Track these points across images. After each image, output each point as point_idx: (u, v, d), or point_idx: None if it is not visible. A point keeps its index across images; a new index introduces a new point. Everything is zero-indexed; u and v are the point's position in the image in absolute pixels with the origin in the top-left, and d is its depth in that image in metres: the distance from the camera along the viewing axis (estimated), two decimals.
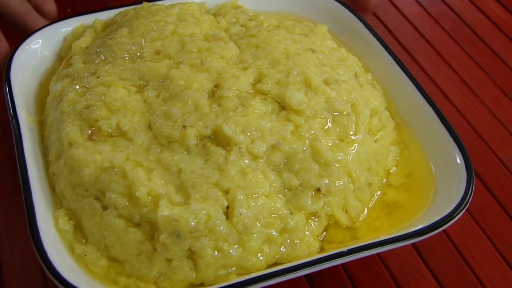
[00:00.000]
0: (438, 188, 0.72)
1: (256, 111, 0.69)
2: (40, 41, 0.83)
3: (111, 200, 0.65)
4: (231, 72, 0.73)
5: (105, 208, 0.66)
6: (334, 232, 0.69)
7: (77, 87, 0.73)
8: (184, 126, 0.67)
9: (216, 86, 0.72)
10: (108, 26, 0.84)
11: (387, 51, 0.83)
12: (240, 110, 0.69)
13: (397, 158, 0.76)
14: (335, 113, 0.71)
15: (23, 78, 0.79)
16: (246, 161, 0.66)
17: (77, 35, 0.84)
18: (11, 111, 0.72)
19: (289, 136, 0.68)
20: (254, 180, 0.65)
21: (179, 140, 0.67)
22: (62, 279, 0.59)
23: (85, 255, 0.65)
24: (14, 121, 0.71)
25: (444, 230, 0.77)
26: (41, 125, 0.76)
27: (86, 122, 0.70)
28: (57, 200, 0.69)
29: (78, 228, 0.67)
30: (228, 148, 0.67)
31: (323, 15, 0.91)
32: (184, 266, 0.63)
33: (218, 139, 0.68)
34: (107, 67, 0.74)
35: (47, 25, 0.84)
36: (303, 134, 0.68)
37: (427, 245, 0.77)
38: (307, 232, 0.67)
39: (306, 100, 0.70)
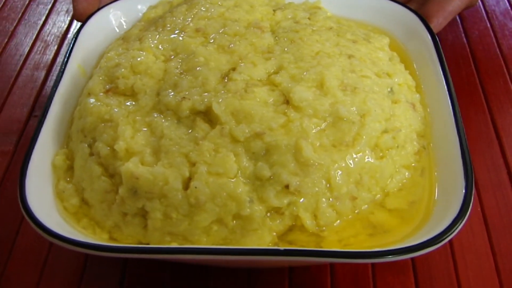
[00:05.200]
0: (433, 219, 0.66)
1: (257, 99, 0.70)
2: (125, 5, 0.91)
3: (97, 148, 0.70)
4: (251, 59, 0.74)
5: (91, 154, 0.71)
6: (299, 234, 0.67)
7: (120, 49, 0.80)
8: (183, 98, 0.70)
9: (233, 69, 0.73)
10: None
11: (443, 71, 0.77)
12: (239, 94, 0.70)
13: (404, 181, 0.71)
14: (336, 118, 0.69)
15: (95, 36, 0.87)
16: (224, 141, 0.67)
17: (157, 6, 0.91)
18: (65, 59, 0.81)
19: (277, 128, 0.67)
20: (223, 160, 0.65)
21: (173, 109, 0.70)
22: (25, 202, 0.65)
23: (64, 192, 0.70)
24: (62, 67, 0.80)
25: None
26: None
27: (110, 78, 0.76)
28: (67, 141, 0.76)
29: (71, 169, 0.73)
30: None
31: (401, 29, 0.88)
32: (136, 223, 0.67)
33: (210, 116, 0.69)
34: (150, 35, 0.80)
35: None
36: (292, 129, 0.67)
37: None
38: (263, 225, 0.66)
39: (310, 99, 0.69)
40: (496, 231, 0.77)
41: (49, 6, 1.14)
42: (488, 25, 1.06)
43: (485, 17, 1.07)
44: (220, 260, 0.63)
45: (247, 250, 0.61)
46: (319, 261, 0.61)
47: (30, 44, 1.05)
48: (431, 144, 0.75)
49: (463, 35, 1.04)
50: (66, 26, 1.09)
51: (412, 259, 0.74)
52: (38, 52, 1.04)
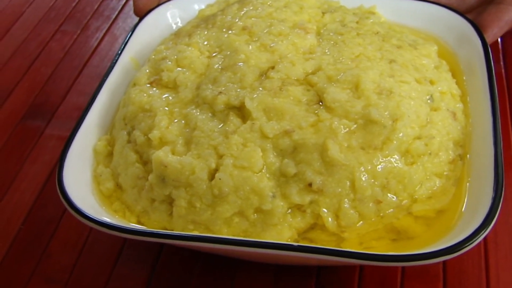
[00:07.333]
0: (458, 229, 0.65)
1: (291, 97, 0.71)
2: (183, 3, 0.94)
3: (135, 136, 0.73)
4: (290, 59, 0.75)
5: (129, 141, 0.74)
6: (320, 233, 0.67)
7: (170, 43, 0.83)
8: (220, 92, 0.72)
9: (272, 68, 0.75)
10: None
11: (489, 82, 0.75)
12: (273, 92, 0.71)
13: (434, 189, 0.70)
14: (367, 121, 0.68)
15: (151, 31, 0.90)
16: (253, 136, 0.68)
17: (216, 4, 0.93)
18: (119, 51, 0.84)
19: (306, 127, 0.68)
20: (249, 154, 0.67)
21: (209, 103, 0.72)
22: (61, 183, 0.69)
23: (101, 175, 0.74)
24: (115, 58, 0.83)
25: None
26: None
27: (155, 70, 0.79)
28: (111, 128, 0.79)
29: (111, 154, 0.76)
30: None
31: (455, 37, 0.87)
32: (163, 209, 0.69)
33: (243, 112, 0.71)
34: (199, 31, 0.82)
35: None
36: (321, 129, 0.68)
37: None
38: (283, 221, 0.66)
39: (343, 100, 0.69)
40: None
41: (124, 1, 1.19)
42: None
43: None
44: (236, 251, 0.64)
45: (261, 243, 0.62)
46: (330, 260, 0.60)
47: (100, 37, 1.11)
48: (469, 155, 0.73)
49: None
50: (135, 21, 1.13)
51: (444, 270, 0.73)
52: (107, 44, 1.08)
